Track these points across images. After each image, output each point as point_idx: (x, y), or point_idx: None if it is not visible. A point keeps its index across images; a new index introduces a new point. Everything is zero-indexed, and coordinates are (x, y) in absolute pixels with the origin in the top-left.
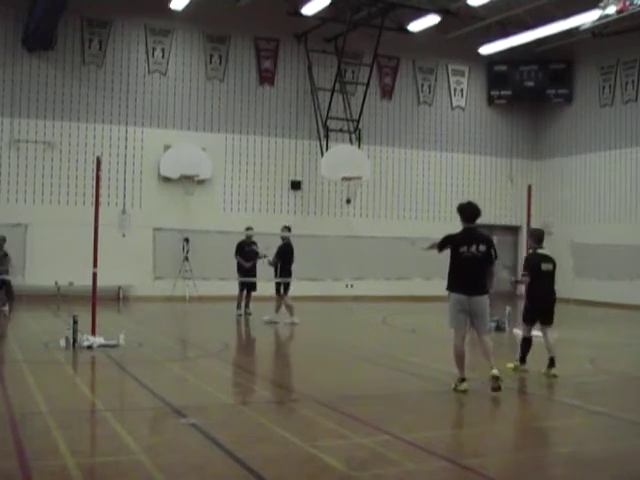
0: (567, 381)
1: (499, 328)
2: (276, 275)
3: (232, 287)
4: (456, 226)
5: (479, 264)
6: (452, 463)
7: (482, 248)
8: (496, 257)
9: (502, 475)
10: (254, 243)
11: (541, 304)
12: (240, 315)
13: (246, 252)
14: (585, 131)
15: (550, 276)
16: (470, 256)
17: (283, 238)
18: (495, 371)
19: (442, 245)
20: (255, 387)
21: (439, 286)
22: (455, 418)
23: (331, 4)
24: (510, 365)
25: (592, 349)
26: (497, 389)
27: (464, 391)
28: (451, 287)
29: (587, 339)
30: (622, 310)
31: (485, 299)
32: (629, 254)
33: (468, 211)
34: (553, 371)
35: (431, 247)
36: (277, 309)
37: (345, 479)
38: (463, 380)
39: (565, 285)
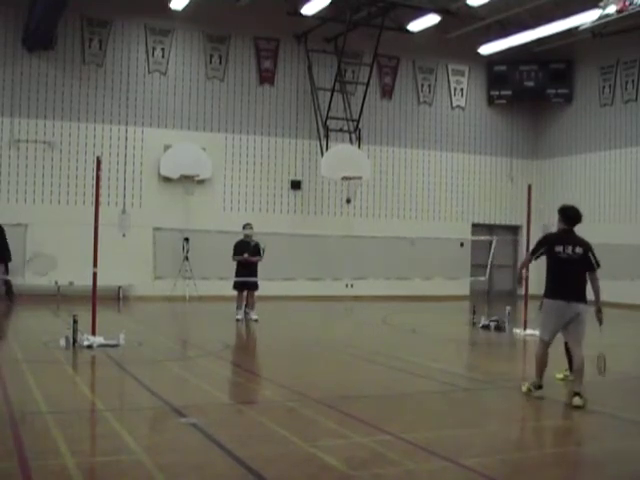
0: (567, 381)
1: (499, 328)
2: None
3: (232, 287)
4: (456, 226)
5: (576, 267)
6: (452, 463)
7: (578, 250)
8: (598, 265)
9: (502, 475)
10: (253, 241)
11: None
12: (239, 321)
13: (246, 249)
14: (585, 131)
15: None
16: (566, 257)
17: (250, 235)
18: (577, 401)
19: (537, 248)
20: (255, 387)
21: (439, 286)
22: (455, 418)
23: (331, 4)
24: (559, 375)
25: (592, 349)
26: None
27: (540, 398)
28: (548, 293)
29: (587, 339)
30: (622, 310)
31: (584, 307)
32: (629, 254)
33: (571, 213)
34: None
35: (522, 268)
36: (253, 306)
37: (345, 479)
38: (540, 387)
39: None
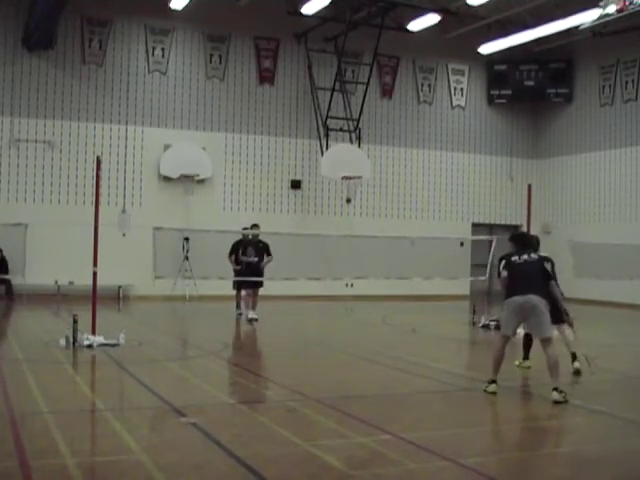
0: (567, 381)
1: (499, 328)
2: (262, 273)
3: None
4: (456, 225)
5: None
6: (452, 463)
7: (533, 256)
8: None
9: (502, 475)
10: (260, 241)
11: None
12: (240, 314)
13: (248, 250)
14: (585, 130)
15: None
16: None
17: (256, 235)
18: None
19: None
20: (255, 386)
21: (439, 285)
22: (455, 418)
23: (331, 3)
24: (516, 362)
25: (592, 349)
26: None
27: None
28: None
29: (587, 339)
30: (622, 309)
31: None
32: (629, 254)
33: (521, 240)
34: (576, 365)
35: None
36: (255, 305)
37: (345, 478)
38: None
39: (565, 284)
